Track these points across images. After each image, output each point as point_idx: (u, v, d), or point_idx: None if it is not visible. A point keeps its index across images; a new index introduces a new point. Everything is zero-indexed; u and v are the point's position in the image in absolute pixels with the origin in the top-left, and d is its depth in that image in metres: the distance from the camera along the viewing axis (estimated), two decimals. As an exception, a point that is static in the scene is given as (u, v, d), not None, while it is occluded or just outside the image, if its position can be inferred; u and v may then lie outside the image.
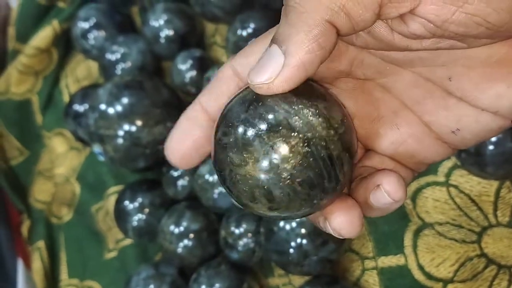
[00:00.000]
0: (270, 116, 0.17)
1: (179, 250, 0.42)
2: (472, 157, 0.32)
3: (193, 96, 0.48)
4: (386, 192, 0.19)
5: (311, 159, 0.17)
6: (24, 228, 0.57)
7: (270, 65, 0.17)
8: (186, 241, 0.42)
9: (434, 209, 0.35)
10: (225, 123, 0.18)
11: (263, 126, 0.17)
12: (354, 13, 0.16)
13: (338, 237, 0.19)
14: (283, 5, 0.18)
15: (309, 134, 0.17)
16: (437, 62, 0.19)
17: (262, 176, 0.17)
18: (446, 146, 0.21)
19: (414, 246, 0.36)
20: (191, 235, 0.42)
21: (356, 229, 0.19)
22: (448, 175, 0.35)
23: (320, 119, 0.18)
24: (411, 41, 0.18)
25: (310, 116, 0.18)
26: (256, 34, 0.41)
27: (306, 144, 0.17)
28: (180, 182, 0.45)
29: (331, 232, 0.20)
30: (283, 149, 0.17)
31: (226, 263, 0.41)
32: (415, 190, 0.36)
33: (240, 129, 0.18)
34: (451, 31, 0.16)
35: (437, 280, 0.34)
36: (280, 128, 0.17)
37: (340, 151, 0.18)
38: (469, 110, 0.19)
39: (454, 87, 0.19)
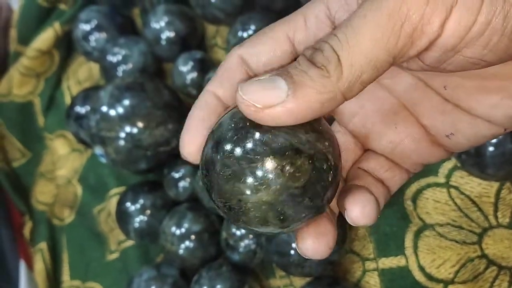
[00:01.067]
0: (274, 142, 0.17)
1: (181, 251, 0.42)
2: (472, 158, 0.32)
3: (194, 97, 0.48)
4: (349, 218, 0.20)
5: (316, 173, 0.18)
6: (26, 230, 0.58)
7: (270, 92, 0.17)
8: (187, 243, 0.42)
9: (435, 210, 0.35)
10: (223, 153, 0.18)
11: (270, 152, 0.17)
12: (367, 79, 0.17)
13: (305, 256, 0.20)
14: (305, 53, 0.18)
15: (311, 151, 0.18)
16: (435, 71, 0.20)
17: (277, 199, 0.17)
18: (441, 149, 0.21)
19: (415, 247, 0.36)
20: (193, 237, 0.42)
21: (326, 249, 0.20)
22: (448, 176, 0.35)
23: (316, 134, 0.18)
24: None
25: (306, 134, 0.18)
26: (256, 36, 0.41)
27: (310, 160, 0.18)
28: (182, 184, 0.45)
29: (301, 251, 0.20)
30: (294, 170, 0.17)
31: (228, 264, 0.41)
32: (416, 191, 0.36)
33: (246, 159, 0.17)
34: (448, 70, 0.17)
35: (438, 281, 0.34)
36: (287, 152, 0.17)
37: (335, 159, 0.19)
38: (464, 117, 0.20)
39: (450, 95, 0.20)
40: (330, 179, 0.18)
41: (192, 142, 0.21)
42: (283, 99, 0.16)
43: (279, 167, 0.17)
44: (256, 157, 0.17)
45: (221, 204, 0.18)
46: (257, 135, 0.17)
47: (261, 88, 0.17)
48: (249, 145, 0.17)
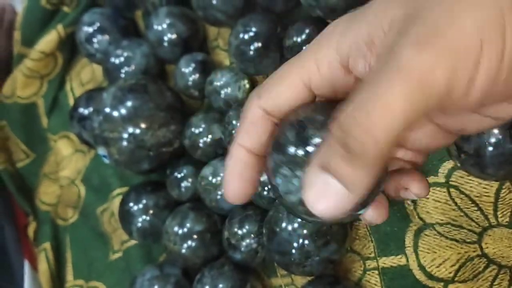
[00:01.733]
0: None
1: (183, 251, 0.42)
2: (472, 158, 0.32)
3: (196, 99, 0.49)
4: (414, 194, 0.23)
5: None
6: (30, 230, 0.58)
7: (334, 198, 0.17)
8: (190, 242, 0.42)
9: (435, 209, 0.35)
10: None
11: None
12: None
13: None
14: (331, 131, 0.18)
15: None
16: None
17: None
18: (453, 136, 0.23)
19: (415, 247, 0.36)
20: (195, 236, 0.42)
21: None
22: (448, 176, 0.35)
23: None
24: None
25: None
26: (258, 37, 0.41)
27: None
28: (184, 184, 0.45)
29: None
30: None
31: (230, 263, 0.41)
32: (416, 191, 0.37)
33: None
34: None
35: (438, 280, 0.35)
36: None
37: None
38: (473, 117, 0.20)
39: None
40: None
41: (234, 193, 0.23)
42: (346, 199, 0.17)
43: None
44: None
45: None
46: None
47: (322, 195, 0.18)
48: None
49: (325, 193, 0.17)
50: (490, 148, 0.31)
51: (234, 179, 0.22)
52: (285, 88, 0.21)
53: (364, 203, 0.20)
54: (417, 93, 0.16)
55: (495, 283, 0.33)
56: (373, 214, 0.23)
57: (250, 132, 0.22)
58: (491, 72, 0.16)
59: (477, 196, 0.34)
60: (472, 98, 0.17)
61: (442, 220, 0.35)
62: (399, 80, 0.16)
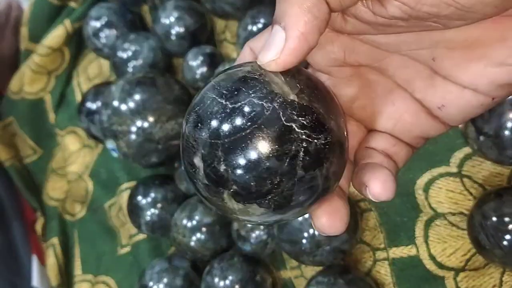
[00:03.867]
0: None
1: (192, 243, 0.42)
2: (491, 140, 0.32)
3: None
4: (371, 194, 0.21)
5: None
6: (38, 225, 0.58)
7: (274, 42, 0.18)
8: (198, 235, 0.42)
9: (448, 199, 0.35)
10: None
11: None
12: None
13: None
14: None
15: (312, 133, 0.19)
16: (421, 45, 0.21)
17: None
18: (438, 121, 0.22)
19: (426, 237, 0.36)
20: (204, 229, 0.42)
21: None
22: (460, 165, 0.35)
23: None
24: (393, 22, 0.19)
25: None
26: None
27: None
28: (192, 177, 0.45)
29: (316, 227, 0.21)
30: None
31: (239, 255, 0.41)
32: (428, 181, 0.37)
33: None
34: (424, 11, 0.18)
35: (449, 269, 0.35)
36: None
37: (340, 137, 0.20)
38: (452, 88, 0.21)
39: (438, 67, 0.21)
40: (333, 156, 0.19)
41: None
42: (284, 36, 0.18)
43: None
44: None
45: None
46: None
47: (268, 46, 0.19)
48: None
49: (269, 42, 0.19)
50: (508, 131, 0.31)
51: None
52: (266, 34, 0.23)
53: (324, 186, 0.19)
54: None
55: (507, 269, 0.33)
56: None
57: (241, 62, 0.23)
58: None
59: (491, 185, 0.34)
60: None
61: (454, 210, 0.35)
62: None
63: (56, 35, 0.59)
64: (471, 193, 0.35)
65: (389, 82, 0.23)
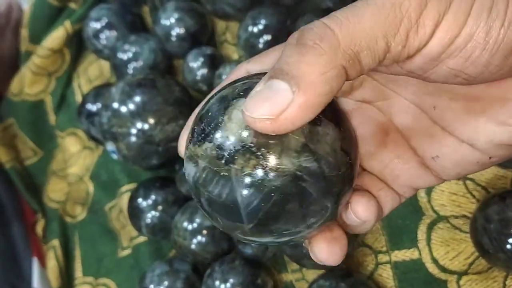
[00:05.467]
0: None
1: (193, 246, 0.42)
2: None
3: (205, 93, 0.49)
4: (353, 211, 0.20)
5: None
6: (39, 227, 0.58)
7: (276, 99, 0.16)
8: (199, 237, 0.42)
9: (451, 202, 0.35)
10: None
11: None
12: (364, 62, 0.17)
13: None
14: (291, 40, 0.17)
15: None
16: (425, 90, 0.21)
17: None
18: (429, 173, 0.22)
19: (428, 240, 0.35)
20: (205, 231, 0.42)
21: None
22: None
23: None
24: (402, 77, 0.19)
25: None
26: (267, 30, 0.41)
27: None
28: (193, 179, 0.45)
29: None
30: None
31: (240, 258, 0.41)
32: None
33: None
34: (432, 79, 0.18)
35: (452, 272, 0.34)
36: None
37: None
38: (450, 140, 0.20)
39: (438, 116, 0.21)
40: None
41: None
42: (291, 98, 0.16)
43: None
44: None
45: None
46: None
47: (264, 99, 0.16)
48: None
49: (267, 96, 0.16)
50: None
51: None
52: (271, 56, 0.22)
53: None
54: (391, 11, 0.16)
55: (510, 273, 0.33)
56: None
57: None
58: (452, 30, 0.16)
59: (494, 188, 0.33)
60: (432, 48, 0.17)
61: (457, 213, 0.35)
62: (375, 1, 0.17)
63: (56, 36, 0.58)
64: (474, 196, 0.34)
65: (387, 124, 0.23)
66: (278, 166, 0.17)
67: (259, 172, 0.17)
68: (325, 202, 0.18)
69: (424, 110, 0.21)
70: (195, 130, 0.19)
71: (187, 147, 0.19)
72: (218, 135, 0.18)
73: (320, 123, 0.18)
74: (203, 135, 0.18)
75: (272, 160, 0.17)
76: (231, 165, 0.17)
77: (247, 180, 0.17)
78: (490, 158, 0.20)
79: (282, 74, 0.16)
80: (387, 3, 0.16)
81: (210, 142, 0.18)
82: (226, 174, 0.17)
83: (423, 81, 0.19)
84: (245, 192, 0.17)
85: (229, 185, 0.17)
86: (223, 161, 0.17)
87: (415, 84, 0.21)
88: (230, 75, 0.23)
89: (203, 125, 0.18)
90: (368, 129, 0.23)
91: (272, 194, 0.17)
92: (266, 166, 0.17)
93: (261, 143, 0.17)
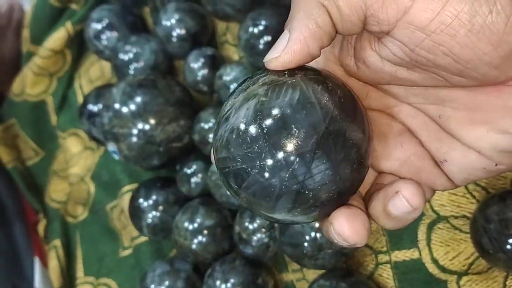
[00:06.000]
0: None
1: (194, 246, 0.42)
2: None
3: (206, 94, 0.49)
4: (405, 198, 0.19)
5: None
6: (40, 227, 0.58)
7: (279, 43, 0.20)
8: (200, 237, 0.42)
9: (451, 202, 0.35)
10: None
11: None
12: (343, 10, 0.19)
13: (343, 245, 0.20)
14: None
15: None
16: (428, 100, 0.21)
17: None
18: (443, 174, 0.22)
19: (428, 240, 0.36)
20: (205, 231, 0.42)
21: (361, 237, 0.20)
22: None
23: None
24: (398, 68, 0.20)
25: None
26: (267, 31, 0.41)
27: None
28: (194, 179, 0.45)
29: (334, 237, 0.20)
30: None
31: (241, 258, 0.41)
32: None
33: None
34: (422, 56, 0.18)
35: (452, 272, 0.34)
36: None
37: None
38: (457, 145, 0.21)
39: (444, 125, 0.21)
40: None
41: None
42: (287, 38, 0.19)
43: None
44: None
45: None
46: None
47: (273, 47, 0.20)
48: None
49: (276, 43, 0.20)
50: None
51: None
52: None
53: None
54: None
55: (510, 274, 0.33)
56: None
57: None
58: (434, 3, 0.17)
59: (494, 189, 0.34)
60: (414, 17, 0.18)
61: (457, 213, 0.35)
62: None
63: (57, 37, 0.59)
64: (474, 196, 0.34)
65: (399, 126, 0.23)
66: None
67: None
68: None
69: (430, 117, 0.22)
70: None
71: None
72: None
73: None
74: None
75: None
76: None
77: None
78: (496, 165, 0.20)
79: (285, 25, 0.20)
80: None
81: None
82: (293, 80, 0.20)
83: (419, 73, 0.19)
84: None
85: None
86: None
87: (418, 94, 0.22)
88: None
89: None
90: (380, 131, 0.23)
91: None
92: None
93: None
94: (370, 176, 0.23)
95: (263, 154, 0.18)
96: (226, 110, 0.20)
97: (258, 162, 0.18)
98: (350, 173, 0.19)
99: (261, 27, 0.42)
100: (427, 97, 0.21)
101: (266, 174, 0.18)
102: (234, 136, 0.19)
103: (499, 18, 0.17)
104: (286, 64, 0.19)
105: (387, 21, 0.18)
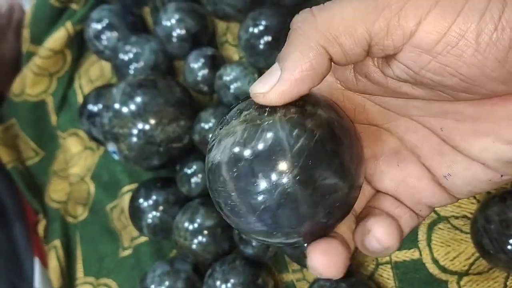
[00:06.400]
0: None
1: (194, 246, 0.42)
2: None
3: (206, 94, 0.49)
4: (375, 238, 0.20)
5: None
6: (40, 228, 0.58)
7: (270, 78, 0.19)
8: (200, 238, 0.42)
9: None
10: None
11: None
12: (346, 46, 0.18)
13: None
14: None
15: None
16: (430, 113, 0.21)
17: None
18: (443, 190, 0.22)
19: (429, 240, 0.36)
20: (205, 232, 0.42)
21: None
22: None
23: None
24: (402, 84, 0.20)
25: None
26: (268, 31, 0.41)
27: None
28: (194, 180, 0.45)
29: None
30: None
31: (241, 258, 0.41)
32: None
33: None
34: (428, 78, 0.18)
35: (452, 273, 0.34)
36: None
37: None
38: (460, 158, 0.20)
39: (446, 137, 0.21)
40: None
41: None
42: (278, 76, 0.18)
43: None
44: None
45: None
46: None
47: (261, 79, 0.19)
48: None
49: (264, 76, 0.19)
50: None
51: None
52: None
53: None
54: (372, 3, 0.18)
55: (511, 274, 0.33)
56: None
57: None
58: (439, 25, 0.17)
59: (496, 189, 0.33)
60: (420, 40, 0.17)
61: (458, 213, 0.35)
62: None
63: (57, 37, 0.59)
64: (474, 197, 0.34)
65: (397, 143, 0.23)
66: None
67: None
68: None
69: (432, 130, 0.21)
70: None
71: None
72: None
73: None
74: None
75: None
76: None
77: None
78: (501, 176, 0.20)
79: (278, 58, 0.19)
80: None
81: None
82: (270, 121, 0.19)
83: (424, 90, 0.19)
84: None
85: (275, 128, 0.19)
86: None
87: (419, 106, 0.21)
88: None
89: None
90: (376, 149, 0.23)
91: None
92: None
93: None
94: (365, 193, 0.23)
95: (232, 196, 0.19)
96: (212, 140, 0.20)
97: (229, 201, 0.19)
98: (324, 216, 0.19)
99: (261, 27, 0.42)
100: (429, 109, 0.21)
101: (236, 214, 0.19)
102: (211, 172, 0.20)
103: (505, 34, 0.16)
104: (272, 103, 0.19)
105: (392, 46, 0.18)
